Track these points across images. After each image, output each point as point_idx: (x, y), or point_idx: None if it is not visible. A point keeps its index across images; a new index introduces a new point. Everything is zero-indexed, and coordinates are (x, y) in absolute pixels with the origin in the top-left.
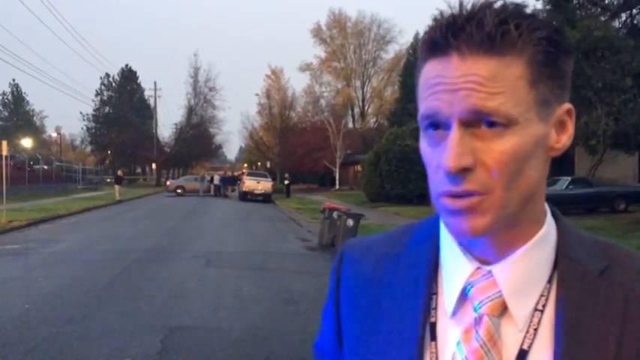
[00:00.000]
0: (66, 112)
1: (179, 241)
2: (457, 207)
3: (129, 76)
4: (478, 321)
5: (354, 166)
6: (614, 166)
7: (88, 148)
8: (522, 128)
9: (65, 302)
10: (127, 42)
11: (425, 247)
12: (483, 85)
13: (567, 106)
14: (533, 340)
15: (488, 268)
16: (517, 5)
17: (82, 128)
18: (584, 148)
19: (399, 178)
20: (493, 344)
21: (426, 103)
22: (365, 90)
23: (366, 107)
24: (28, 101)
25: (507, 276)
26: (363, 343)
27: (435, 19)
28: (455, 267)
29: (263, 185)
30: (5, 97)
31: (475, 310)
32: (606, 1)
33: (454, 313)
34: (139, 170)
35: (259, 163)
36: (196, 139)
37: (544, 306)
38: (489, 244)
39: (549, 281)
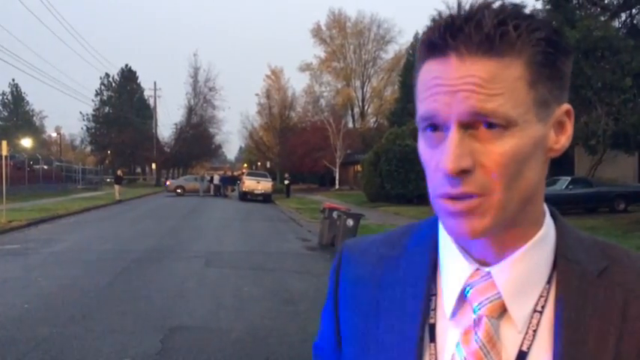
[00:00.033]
0: (66, 112)
1: (179, 241)
2: (456, 209)
3: (129, 76)
4: (477, 322)
5: (354, 166)
6: (614, 166)
7: (88, 148)
8: (521, 129)
9: (65, 302)
10: (126, 42)
11: (424, 249)
12: (482, 87)
13: (566, 106)
14: (532, 341)
15: (487, 269)
16: (516, 6)
17: (82, 128)
18: (583, 148)
19: (398, 178)
20: (492, 346)
21: (425, 105)
22: (365, 90)
23: (365, 107)
24: (27, 101)
25: (506, 277)
26: (362, 345)
27: (434, 20)
28: (454, 268)
29: (263, 185)
30: (5, 97)
31: (474, 311)
32: (606, 1)
33: (453, 314)
34: (138, 170)
35: (259, 163)
36: (196, 139)
37: (543, 307)
38: (488, 246)
39: (548, 282)
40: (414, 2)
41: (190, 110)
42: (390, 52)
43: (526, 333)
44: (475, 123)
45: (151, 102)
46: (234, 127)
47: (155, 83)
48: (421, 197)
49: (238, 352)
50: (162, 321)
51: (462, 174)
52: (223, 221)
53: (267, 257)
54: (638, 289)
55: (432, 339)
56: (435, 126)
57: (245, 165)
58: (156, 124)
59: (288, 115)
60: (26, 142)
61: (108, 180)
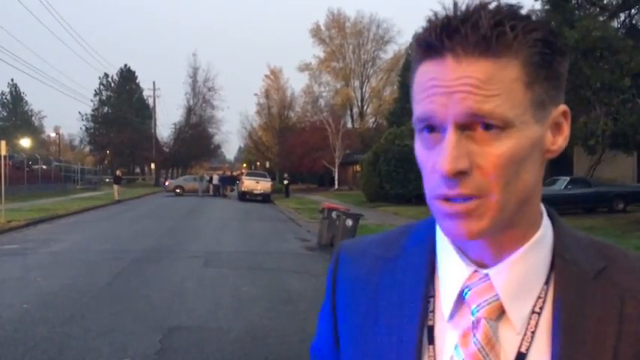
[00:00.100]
0: (65, 112)
1: (178, 241)
2: (453, 210)
3: (128, 76)
4: (476, 324)
5: (353, 166)
6: (613, 166)
7: (87, 148)
8: (518, 130)
9: (64, 302)
10: (125, 42)
11: (421, 250)
12: (479, 88)
13: (563, 107)
14: (530, 342)
15: (485, 271)
16: (512, 6)
17: (81, 128)
18: (582, 148)
19: (397, 178)
20: (491, 348)
21: (421, 106)
22: (364, 90)
23: (365, 107)
24: (26, 101)
25: (504, 279)
26: (360, 346)
27: (429, 21)
28: (451, 270)
29: (262, 185)
30: (4, 97)
31: (472, 313)
32: (605, 1)
33: (451, 316)
34: (137, 170)
35: (258, 163)
36: (195, 139)
37: (541, 308)
38: (485, 247)
39: (546, 283)
40: (413, 2)
41: (189, 110)
42: (389, 52)
43: (524, 334)
44: (472, 124)
45: (150, 102)
46: (233, 127)
47: (154, 83)
48: (420, 197)
49: (237, 351)
50: (161, 321)
51: (459, 175)
52: (222, 221)
53: (266, 257)
54: (635, 290)
55: (431, 341)
56: (432, 127)
57: (244, 165)
58: (155, 124)
59: (287, 115)
60: (25, 142)
61: (107, 180)
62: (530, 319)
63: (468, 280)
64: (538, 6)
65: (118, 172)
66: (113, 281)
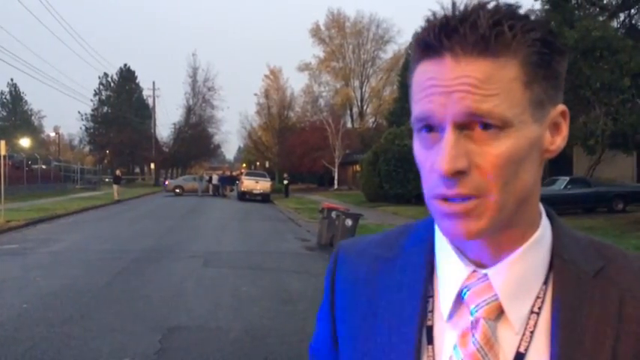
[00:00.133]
0: (64, 112)
1: (177, 241)
2: (452, 210)
3: (127, 75)
4: (474, 324)
5: (352, 165)
6: (613, 166)
7: (87, 148)
8: (517, 130)
9: (63, 302)
10: (125, 42)
11: (420, 250)
12: (478, 87)
13: (561, 107)
14: (529, 342)
15: (483, 271)
16: (510, 6)
17: (81, 128)
18: (582, 148)
19: (397, 177)
20: (490, 348)
21: (420, 106)
22: (364, 90)
23: (364, 107)
24: (26, 101)
25: (503, 279)
26: (358, 346)
27: (428, 21)
28: (450, 270)
29: (262, 185)
30: (3, 96)
31: (471, 313)
32: (605, 1)
33: (450, 316)
34: (137, 170)
35: (258, 163)
36: (195, 138)
37: (540, 308)
38: (484, 247)
39: (545, 283)
40: (413, 2)
41: (189, 110)
42: (388, 52)
43: (523, 334)
44: (471, 124)
45: (150, 102)
46: (233, 127)
47: (154, 83)
48: (420, 197)
49: (237, 351)
50: (161, 321)
51: (458, 175)
52: (222, 221)
53: (265, 257)
54: (634, 289)
55: (430, 341)
56: (430, 127)
57: (244, 165)
58: (154, 124)
59: (287, 115)
60: (25, 142)
61: (106, 180)
62: (529, 319)
63: (467, 280)
64: (538, 6)
65: (117, 172)
66: (113, 281)
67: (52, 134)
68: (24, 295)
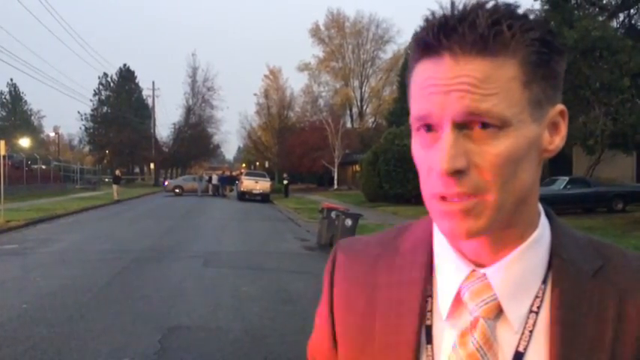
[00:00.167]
0: (64, 112)
1: (177, 240)
2: (450, 210)
3: (127, 75)
4: (474, 324)
5: (352, 165)
6: (612, 166)
7: (86, 148)
8: (516, 129)
9: (63, 302)
10: (125, 42)
11: (419, 249)
12: (476, 87)
13: (560, 107)
14: (528, 342)
15: (482, 270)
16: (509, 5)
17: (80, 128)
18: (582, 147)
19: (397, 177)
20: (489, 347)
21: (419, 105)
22: (363, 90)
23: (364, 107)
24: (26, 101)
25: (502, 279)
26: (357, 346)
27: (427, 20)
28: (449, 269)
29: (261, 185)
30: (3, 96)
31: (470, 313)
32: (604, 1)
33: (449, 316)
34: (137, 170)
35: (258, 163)
36: (194, 138)
37: (539, 307)
38: (483, 247)
39: (544, 282)
40: (412, 2)
41: (189, 110)
42: (388, 52)
43: (522, 334)
44: (470, 123)
45: (150, 102)
46: (232, 127)
47: (153, 83)
48: (419, 197)
49: (237, 351)
50: (161, 321)
51: (457, 174)
52: (222, 221)
53: (265, 257)
54: (633, 289)
55: (429, 341)
56: (429, 126)
57: (243, 165)
58: (154, 124)
59: (287, 115)
60: (24, 142)
61: (106, 180)
62: (528, 318)
63: (466, 279)
64: (537, 6)
65: (117, 172)
66: (112, 281)
67: (52, 134)
68: (24, 295)
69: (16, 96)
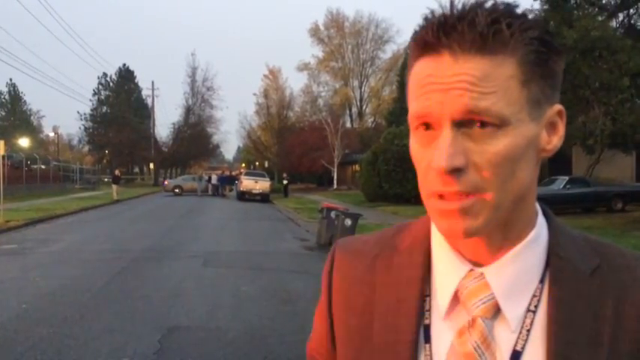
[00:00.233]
0: (63, 112)
1: (177, 240)
2: (448, 208)
3: (126, 75)
4: (471, 323)
5: (352, 165)
6: (612, 166)
7: (86, 148)
8: (515, 128)
9: (62, 302)
10: (124, 41)
11: (417, 249)
12: (475, 85)
13: (558, 107)
14: (526, 341)
15: (480, 270)
16: (508, 5)
17: (80, 128)
18: (581, 147)
19: (397, 177)
20: (487, 346)
21: (418, 103)
22: (363, 90)
23: (363, 107)
24: (25, 101)
25: (499, 278)
26: (356, 346)
27: (426, 19)
28: (447, 269)
29: (261, 185)
30: (2, 96)
31: (468, 312)
32: (604, 1)
33: (447, 315)
34: (136, 170)
35: (257, 163)
36: (194, 138)
37: (536, 306)
38: (481, 246)
39: (541, 281)
40: (412, 2)
41: (188, 110)
42: (388, 52)
43: (520, 333)
44: (468, 122)
45: (149, 101)
46: (232, 127)
47: (153, 83)
48: (419, 197)
49: (236, 351)
50: (160, 321)
51: (455, 173)
52: (221, 221)
53: (265, 257)
54: (630, 288)
55: (427, 340)
56: (428, 124)
57: (243, 165)
58: (154, 124)
59: (286, 115)
60: (24, 142)
61: (106, 180)
62: (525, 317)
63: (464, 278)
64: (537, 5)
65: (116, 172)
66: (112, 281)
67: (51, 134)
68: (23, 295)
69: (15, 96)
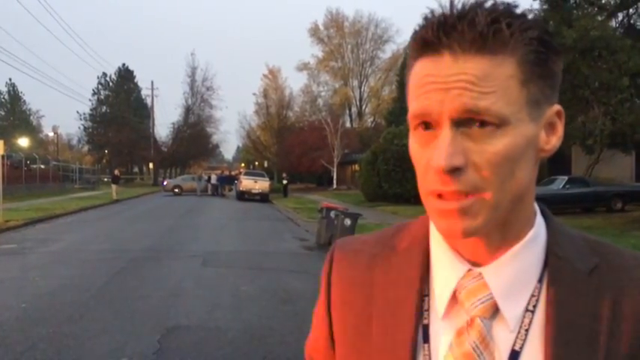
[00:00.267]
0: (63, 112)
1: (176, 240)
2: (447, 208)
3: (126, 75)
4: (470, 323)
5: (351, 165)
6: (611, 166)
7: (85, 148)
8: (514, 128)
9: (62, 302)
10: (124, 41)
11: (416, 248)
12: (475, 85)
13: (557, 107)
14: (524, 341)
15: (478, 269)
16: (508, 5)
17: (79, 127)
18: (581, 147)
19: (396, 177)
20: (485, 346)
21: (417, 102)
22: (362, 89)
23: (363, 107)
24: (24, 100)
25: (498, 278)
26: (355, 345)
27: (426, 18)
28: (446, 269)
29: (260, 185)
30: (2, 96)
31: (467, 312)
32: (603, 1)
33: (446, 315)
34: (136, 170)
35: (257, 163)
36: (193, 138)
37: (535, 306)
38: (479, 246)
39: (540, 281)
40: (411, 2)
41: (188, 110)
42: (387, 52)
43: (518, 333)
44: (468, 121)
45: (149, 101)
46: (231, 127)
47: (152, 82)
48: (419, 197)
49: (236, 351)
50: (160, 320)
51: (454, 172)
52: (221, 221)
53: (264, 257)
54: (628, 288)
55: (426, 340)
56: (427, 124)
57: (242, 164)
58: (153, 124)
59: (286, 115)
60: (23, 142)
61: (105, 179)
62: (524, 317)
63: (462, 278)
64: (537, 5)
65: (116, 172)
66: (111, 281)
67: (51, 134)
68: (23, 295)
69: (14, 96)
